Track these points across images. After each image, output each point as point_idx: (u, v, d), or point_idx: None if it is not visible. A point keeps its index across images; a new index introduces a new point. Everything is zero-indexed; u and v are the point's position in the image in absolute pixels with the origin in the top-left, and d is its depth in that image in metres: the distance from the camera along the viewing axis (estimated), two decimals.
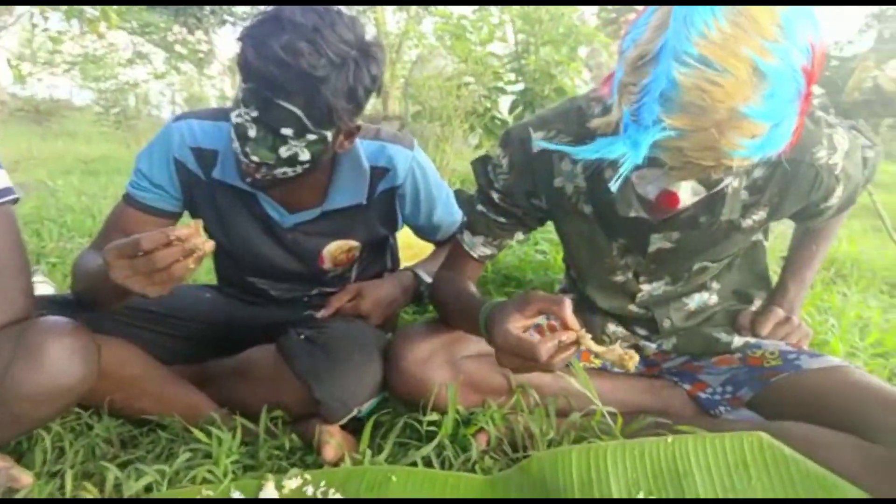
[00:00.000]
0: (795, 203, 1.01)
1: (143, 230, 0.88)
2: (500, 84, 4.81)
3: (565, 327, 0.82)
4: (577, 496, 0.88)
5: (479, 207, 1.13)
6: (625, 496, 0.87)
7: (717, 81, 0.64)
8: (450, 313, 1.09)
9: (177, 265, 0.80)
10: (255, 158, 1.00)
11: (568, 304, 0.82)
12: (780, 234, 2.24)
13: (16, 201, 0.97)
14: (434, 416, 1.02)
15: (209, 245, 0.82)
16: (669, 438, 0.94)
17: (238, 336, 1.25)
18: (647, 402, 1.15)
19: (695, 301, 1.19)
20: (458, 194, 1.21)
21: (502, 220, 1.12)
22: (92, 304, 1.01)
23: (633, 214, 1.02)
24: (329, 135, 1.02)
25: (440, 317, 1.15)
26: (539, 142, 1.01)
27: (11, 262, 0.94)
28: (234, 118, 1.00)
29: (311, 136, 1.00)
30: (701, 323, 1.20)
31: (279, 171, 1.03)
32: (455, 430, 1.04)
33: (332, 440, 0.98)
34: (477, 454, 1.01)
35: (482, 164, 1.14)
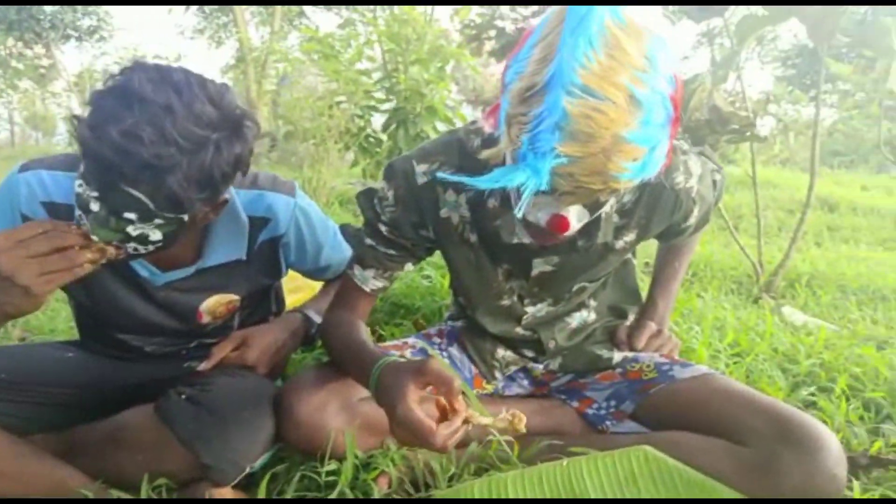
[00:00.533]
0: (660, 224, 1.10)
1: None
2: (372, 103, 4.83)
3: (453, 408, 0.83)
4: None
5: (368, 241, 1.12)
6: None
7: (601, 109, 0.68)
8: (339, 360, 1.07)
9: (76, 253, 0.73)
10: (95, 237, 0.90)
11: (457, 386, 0.82)
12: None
13: None
14: (333, 466, 0.99)
15: (113, 251, 0.76)
16: (565, 462, 0.97)
17: (109, 398, 1.15)
18: (539, 424, 1.19)
19: (576, 320, 1.25)
20: (345, 229, 1.19)
21: (392, 252, 1.11)
22: None
23: (516, 241, 1.06)
24: (183, 217, 0.94)
25: (331, 359, 1.13)
26: (439, 174, 1.01)
27: None
28: (76, 187, 0.90)
29: (159, 221, 0.91)
30: (583, 341, 1.26)
31: (129, 247, 0.94)
32: (355, 475, 1.02)
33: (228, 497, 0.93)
34: (379, 497, 0.99)
35: (367, 198, 1.13)
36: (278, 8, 17.58)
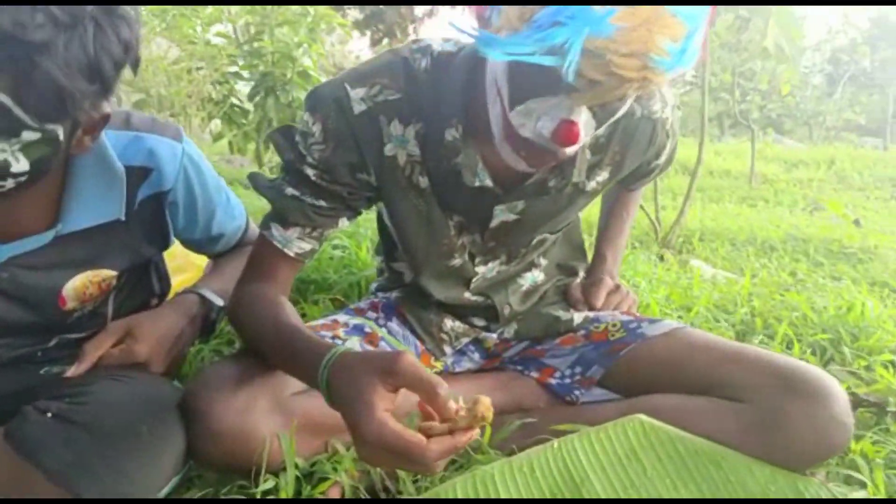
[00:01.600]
0: (634, 160, 0.98)
1: None
2: (236, 69, 4.39)
3: (443, 419, 0.64)
4: None
5: (290, 191, 0.88)
6: None
7: None
8: (265, 350, 0.84)
9: None
10: None
11: (444, 392, 0.64)
12: None
13: None
14: (270, 483, 0.77)
15: None
16: (555, 443, 0.82)
17: None
18: (499, 401, 1.02)
19: (527, 280, 1.11)
20: (255, 178, 0.94)
21: (322, 203, 0.89)
22: None
23: (478, 184, 0.89)
24: (60, 131, 0.68)
25: (250, 347, 0.89)
26: (380, 98, 0.82)
27: None
28: None
29: (30, 135, 0.65)
30: (536, 303, 1.12)
31: None
32: (297, 489, 0.80)
33: None
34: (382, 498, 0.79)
35: (286, 136, 0.90)
36: None
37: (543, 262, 1.12)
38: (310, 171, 0.87)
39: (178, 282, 1.32)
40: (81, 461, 0.67)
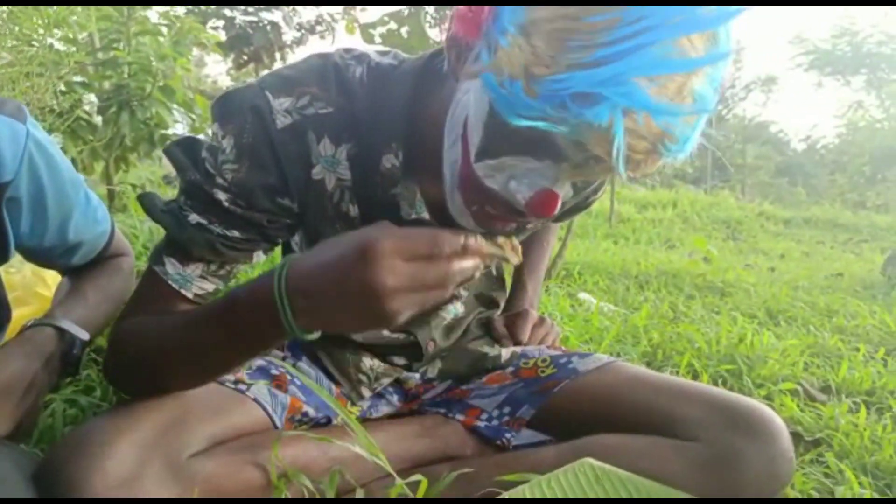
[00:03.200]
0: (580, 197, 0.92)
1: None
2: (83, 79, 3.94)
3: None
4: None
5: (194, 218, 0.73)
6: None
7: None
8: (177, 346, 0.67)
9: None
10: None
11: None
12: None
13: None
14: None
15: None
16: (505, 495, 0.73)
17: None
18: (424, 449, 0.93)
19: (450, 313, 1.02)
20: (149, 201, 0.76)
21: (235, 233, 0.74)
22: None
23: (414, 216, 0.79)
24: None
25: (137, 387, 0.71)
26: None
27: None
28: None
29: None
30: (460, 338, 1.04)
31: None
32: None
33: None
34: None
35: (187, 152, 0.75)
36: None
37: (464, 293, 1.04)
38: (221, 195, 0.72)
39: (17, 316, 1.08)
40: None
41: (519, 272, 1.20)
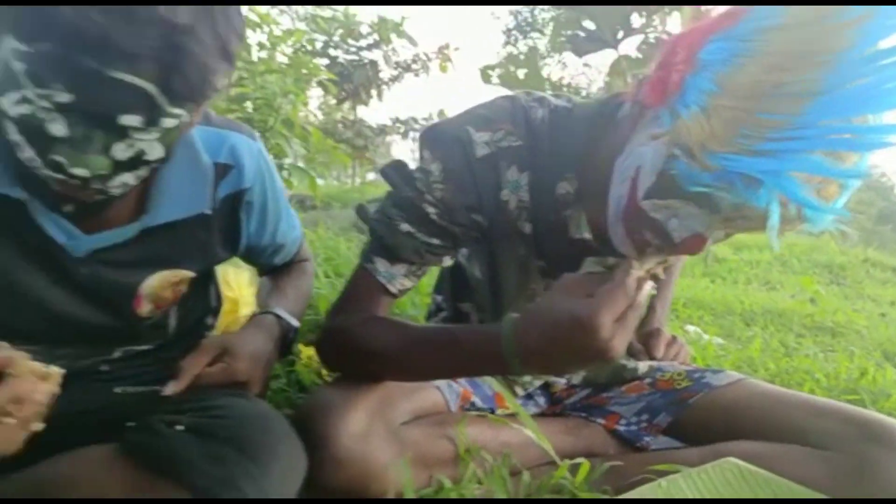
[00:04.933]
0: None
1: None
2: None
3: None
4: None
5: (405, 227, 0.88)
6: None
7: None
8: (398, 356, 0.83)
9: None
10: (79, 172, 0.62)
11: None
12: None
13: None
14: None
15: None
16: (663, 482, 0.83)
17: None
18: (569, 446, 1.03)
19: None
20: (364, 211, 0.93)
21: (436, 241, 0.89)
22: None
23: (578, 236, 0.92)
24: (186, 114, 0.67)
25: (360, 366, 0.87)
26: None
27: None
28: (10, 106, 0.60)
29: (168, 122, 0.64)
30: None
31: (116, 183, 0.67)
32: None
33: None
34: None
35: (400, 172, 0.91)
36: None
37: None
38: (429, 209, 0.88)
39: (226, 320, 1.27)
40: (230, 478, 0.63)
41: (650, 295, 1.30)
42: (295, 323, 1.00)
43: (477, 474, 0.86)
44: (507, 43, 21.89)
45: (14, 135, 0.62)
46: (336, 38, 8.81)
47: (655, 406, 1.06)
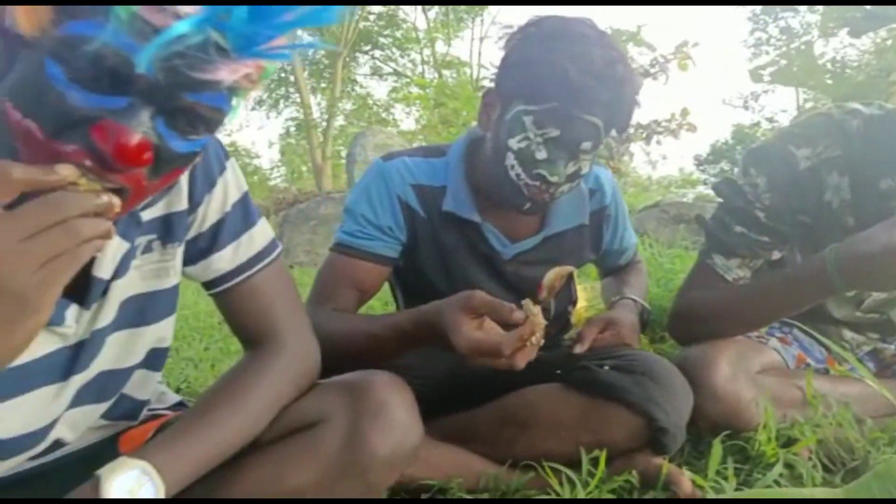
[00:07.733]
0: None
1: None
2: None
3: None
4: None
5: (738, 229, 1.13)
6: None
7: None
8: (746, 314, 1.11)
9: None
10: (553, 180, 1.00)
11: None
12: None
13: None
14: (764, 436, 0.99)
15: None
16: None
17: (464, 388, 1.16)
18: None
19: None
20: (700, 218, 1.22)
21: (765, 238, 1.12)
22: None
23: None
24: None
25: (712, 329, 1.13)
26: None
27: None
28: (514, 143, 1.01)
29: (599, 146, 1.02)
30: None
31: (564, 189, 1.05)
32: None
33: (684, 473, 0.93)
34: (806, 470, 0.98)
35: (731, 187, 1.15)
36: (338, 74, 18.34)
37: None
38: (760, 214, 1.11)
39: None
40: (652, 397, 0.95)
41: None
42: (648, 307, 1.29)
43: (825, 416, 1.06)
44: (754, 30, 20.20)
45: (510, 160, 1.01)
46: None
47: None
